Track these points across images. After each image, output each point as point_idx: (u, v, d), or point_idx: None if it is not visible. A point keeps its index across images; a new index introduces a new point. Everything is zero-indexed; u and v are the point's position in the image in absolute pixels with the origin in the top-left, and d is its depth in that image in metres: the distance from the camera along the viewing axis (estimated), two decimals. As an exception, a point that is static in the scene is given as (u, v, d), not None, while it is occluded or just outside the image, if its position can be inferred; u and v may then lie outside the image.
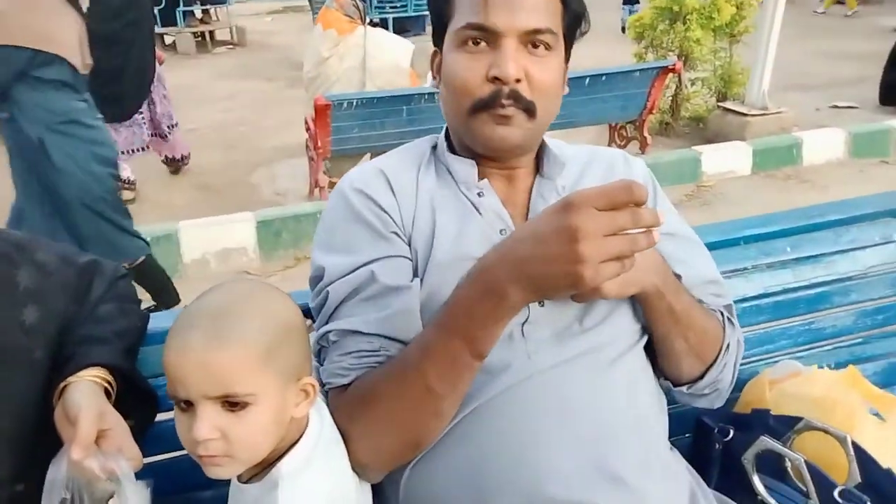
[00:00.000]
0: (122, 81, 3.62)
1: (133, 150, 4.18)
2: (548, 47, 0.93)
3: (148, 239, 3.35)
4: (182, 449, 1.07)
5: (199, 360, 0.73)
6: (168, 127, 4.37)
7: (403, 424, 0.85)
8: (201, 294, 0.81)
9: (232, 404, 0.75)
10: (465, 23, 0.92)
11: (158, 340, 1.08)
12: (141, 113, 4.09)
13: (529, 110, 0.92)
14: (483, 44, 0.91)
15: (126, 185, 4.16)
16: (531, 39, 0.91)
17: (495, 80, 0.90)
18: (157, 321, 1.09)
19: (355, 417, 0.86)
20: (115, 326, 0.94)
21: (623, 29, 8.02)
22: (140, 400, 0.94)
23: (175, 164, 4.74)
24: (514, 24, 0.89)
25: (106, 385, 0.86)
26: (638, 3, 7.33)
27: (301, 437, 0.82)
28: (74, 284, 0.96)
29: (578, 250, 0.71)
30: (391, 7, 7.53)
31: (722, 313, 1.04)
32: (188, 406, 0.76)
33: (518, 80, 0.90)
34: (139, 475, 0.83)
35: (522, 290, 0.76)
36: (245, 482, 0.82)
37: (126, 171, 4.17)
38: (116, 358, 0.89)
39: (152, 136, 4.32)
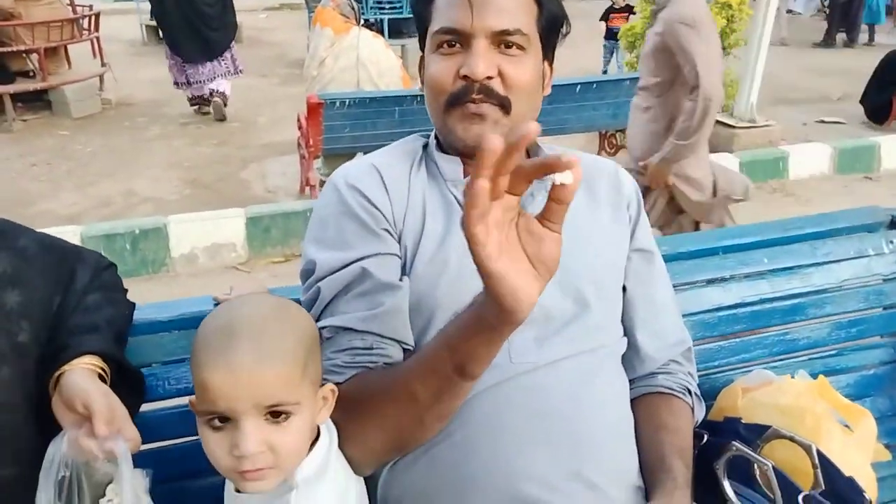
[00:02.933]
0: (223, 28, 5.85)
1: (215, 77, 5.91)
2: (520, 48, 0.95)
3: (136, 232, 3.37)
4: (175, 437, 1.10)
5: (250, 376, 0.74)
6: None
7: (389, 427, 0.87)
8: (223, 309, 0.83)
9: (275, 415, 0.77)
10: (438, 27, 0.95)
11: (143, 331, 1.10)
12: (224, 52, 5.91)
13: (504, 105, 0.94)
14: (457, 46, 0.95)
15: (204, 101, 6.00)
16: (502, 40, 0.94)
17: (465, 77, 0.93)
18: (142, 313, 1.10)
19: (348, 415, 0.88)
20: (104, 315, 0.95)
21: (604, 72, 6.76)
22: (129, 387, 0.96)
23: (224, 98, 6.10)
24: (482, 26, 0.92)
25: (100, 371, 0.87)
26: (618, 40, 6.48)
27: (314, 444, 0.84)
28: (56, 271, 0.97)
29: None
30: (389, 7, 7.54)
31: (689, 390, 1.08)
32: (223, 423, 0.76)
33: (490, 78, 0.93)
34: (137, 462, 0.85)
35: (490, 298, 0.69)
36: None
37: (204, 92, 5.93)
38: (108, 346, 0.91)
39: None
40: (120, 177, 4.68)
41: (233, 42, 6.03)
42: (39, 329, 0.90)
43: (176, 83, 5.97)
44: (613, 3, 6.88)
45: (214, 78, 5.89)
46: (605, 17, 6.94)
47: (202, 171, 4.81)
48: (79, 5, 6.70)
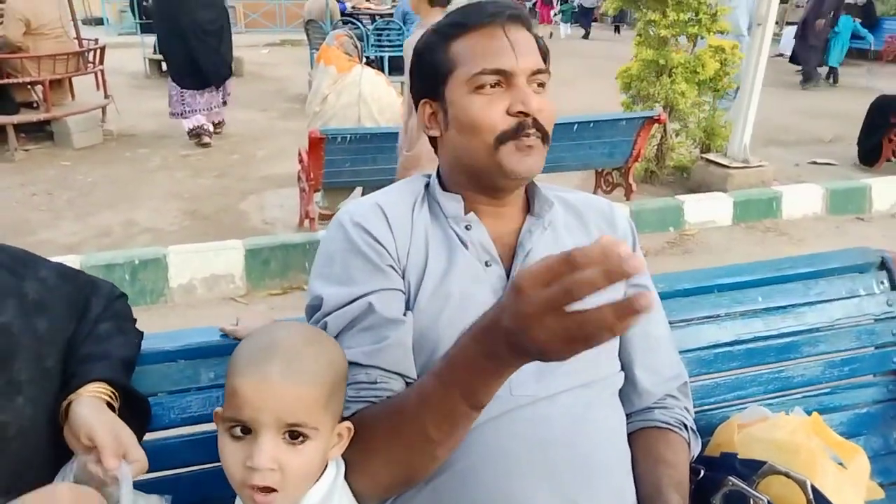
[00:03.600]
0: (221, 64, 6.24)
1: (210, 108, 6.30)
2: (543, 85, 1.03)
3: (136, 262, 3.39)
4: (182, 466, 1.11)
5: (279, 389, 0.79)
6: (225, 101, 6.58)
7: (398, 463, 0.89)
8: (266, 328, 0.89)
9: (293, 436, 0.80)
10: (480, 69, 1.00)
11: (150, 361, 1.12)
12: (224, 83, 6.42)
13: (546, 138, 1.02)
14: (499, 86, 1.00)
15: (204, 132, 6.24)
16: (536, 79, 1.02)
17: (519, 113, 0.99)
18: (148, 343, 1.12)
19: (355, 449, 0.90)
20: (115, 343, 0.97)
21: None
22: (135, 413, 0.98)
23: (219, 127, 6.62)
24: (524, 66, 1.00)
25: (108, 398, 0.90)
26: None
27: (320, 476, 0.86)
28: (73, 300, 1.00)
29: (535, 336, 0.65)
30: (389, 45, 7.70)
31: (685, 425, 1.10)
32: (245, 434, 0.80)
33: (540, 111, 1.00)
34: (145, 490, 0.86)
35: (517, 353, 0.71)
36: None
37: (204, 123, 6.24)
38: (116, 372, 0.93)
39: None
40: (120, 207, 4.71)
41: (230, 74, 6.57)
42: (60, 355, 0.93)
43: (172, 114, 6.20)
44: None
45: (211, 108, 6.31)
46: None
47: (202, 203, 4.84)
48: (85, 38, 6.81)
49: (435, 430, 0.84)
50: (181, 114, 6.14)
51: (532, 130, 1.00)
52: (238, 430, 0.80)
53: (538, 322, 0.64)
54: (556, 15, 16.60)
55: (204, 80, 6.10)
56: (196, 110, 6.15)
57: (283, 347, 0.83)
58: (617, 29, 17.00)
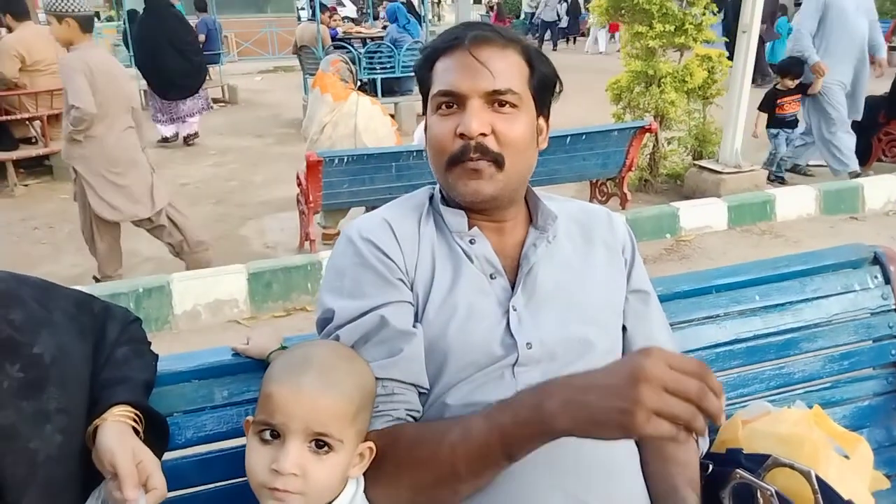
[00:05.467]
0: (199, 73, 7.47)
1: (194, 114, 7.46)
2: (513, 106, 1.02)
3: (140, 291, 3.41)
4: (197, 485, 1.13)
5: (311, 398, 0.84)
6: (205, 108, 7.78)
7: (422, 490, 0.91)
8: (304, 344, 0.96)
9: (319, 445, 0.84)
10: (437, 91, 1.04)
11: (165, 382, 1.14)
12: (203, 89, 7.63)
13: (497, 161, 1.01)
14: (454, 106, 1.02)
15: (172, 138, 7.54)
16: (495, 99, 1.01)
17: (462, 135, 1.00)
18: (164, 364, 1.14)
19: (385, 465, 0.92)
20: (133, 366, 1.00)
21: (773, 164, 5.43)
22: (156, 433, 1.00)
23: (191, 139, 7.60)
24: (476, 87, 1.00)
25: (132, 422, 0.92)
26: None
27: (340, 492, 0.89)
28: (90, 328, 1.02)
29: (639, 390, 0.71)
30: (381, 68, 7.79)
31: None
32: (273, 438, 0.84)
33: (484, 135, 1.00)
34: None
35: (571, 418, 0.77)
36: None
37: (194, 128, 7.55)
38: (137, 395, 0.96)
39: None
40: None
41: (204, 84, 7.75)
42: (86, 383, 0.95)
43: (159, 121, 7.41)
44: (776, 85, 5.51)
45: (193, 114, 7.46)
46: (769, 104, 5.50)
47: (201, 230, 4.86)
48: (81, 73, 6.88)
49: (465, 466, 0.87)
50: (166, 121, 7.34)
51: (476, 154, 1.00)
52: (267, 434, 0.84)
53: (651, 384, 0.71)
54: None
55: (191, 86, 7.25)
56: (181, 117, 7.34)
57: (319, 360, 0.89)
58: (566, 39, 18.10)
